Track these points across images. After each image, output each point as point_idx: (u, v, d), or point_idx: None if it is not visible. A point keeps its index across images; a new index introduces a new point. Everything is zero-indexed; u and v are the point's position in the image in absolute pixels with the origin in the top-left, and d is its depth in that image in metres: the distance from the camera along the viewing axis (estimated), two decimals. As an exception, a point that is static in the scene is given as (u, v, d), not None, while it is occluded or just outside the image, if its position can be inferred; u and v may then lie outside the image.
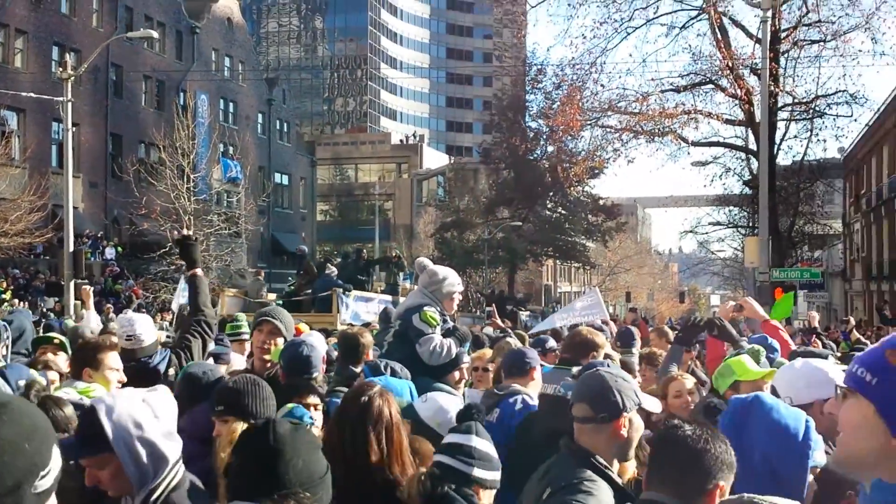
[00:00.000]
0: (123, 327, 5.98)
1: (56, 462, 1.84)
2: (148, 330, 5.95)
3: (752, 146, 34.54)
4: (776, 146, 33.91)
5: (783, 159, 37.15)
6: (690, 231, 49.52)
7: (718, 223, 48.00)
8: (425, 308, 5.77)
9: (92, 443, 2.58)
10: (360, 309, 14.09)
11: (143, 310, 26.03)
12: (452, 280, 6.06)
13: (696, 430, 2.85)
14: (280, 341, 5.10)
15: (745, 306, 7.54)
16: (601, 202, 54.90)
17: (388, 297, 17.00)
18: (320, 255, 66.72)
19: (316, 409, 4.22)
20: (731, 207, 46.66)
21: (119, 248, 36.23)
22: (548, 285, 71.18)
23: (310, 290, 15.49)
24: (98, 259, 34.27)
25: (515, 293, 50.91)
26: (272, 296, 17.74)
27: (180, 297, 14.40)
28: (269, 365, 5.07)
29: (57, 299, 26.12)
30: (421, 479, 2.95)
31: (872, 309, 40.42)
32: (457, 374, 5.73)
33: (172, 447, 2.66)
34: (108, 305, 24.86)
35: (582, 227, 54.96)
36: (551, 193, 53.85)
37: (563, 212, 55.29)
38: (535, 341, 8.80)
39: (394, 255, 21.01)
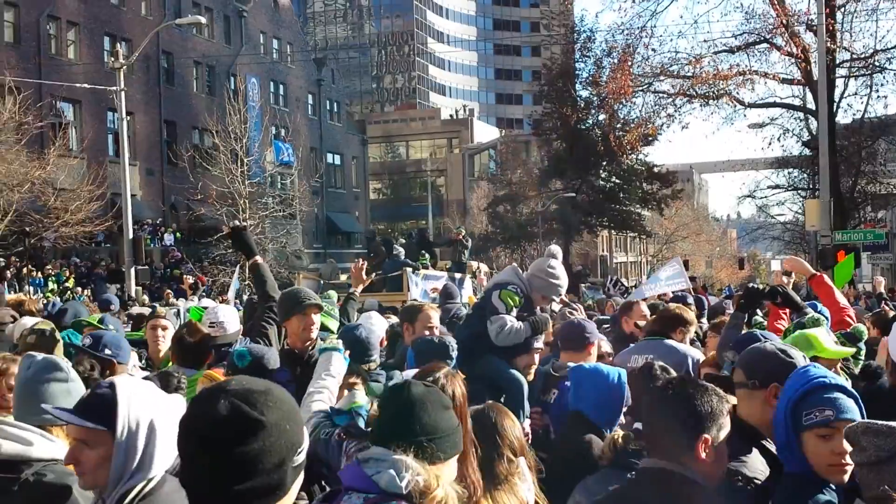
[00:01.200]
0: (208, 315, 6.26)
1: (307, 439, 2.12)
2: (231, 319, 6.24)
3: (811, 105, 33.73)
4: (835, 104, 33.05)
5: (843, 118, 36.22)
6: (749, 195, 48.59)
7: (777, 186, 47.00)
8: (508, 287, 5.59)
9: (96, 412, 2.55)
10: (429, 286, 14.33)
11: (205, 295, 26.46)
12: (558, 286, 5.77)
13: (675, 387, 2.97)
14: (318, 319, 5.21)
15: (790, 266, 7.34)
16: (656, 170, 54.02)
17: (457, 275, 17.32)
18: (378, 234, 67.11)
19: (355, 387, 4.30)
20: (791, 169, 45.65)
21: (178, 234, 36.77)
22: (603, 256, 70.61)
23: (380, 271, 15.67)
24: (158, 245, 34.80)
25: (572, 265, 50.57)
26: (344, 277, 18.08)
27: (234, 287, 14.94)
28: (309, 346, 5.05)
29: (119, 286, 26.60)
30: (615, 440, 3.51)
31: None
32: (526, 359, 5.58)
33: (165, 460, 2.64)
34: (168, 291, 25.26)
35: (637, 196, 54.17)
36: (604, 163, 53.15)
37: (617, 181, 54.54)
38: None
39: (460, 234, 21.58)
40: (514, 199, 55.72)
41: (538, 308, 5.77)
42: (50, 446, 3.09)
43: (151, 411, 2.60)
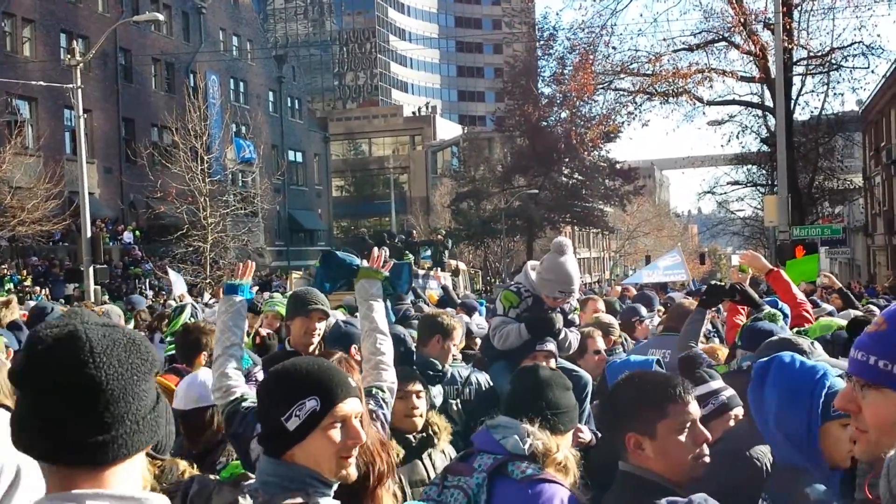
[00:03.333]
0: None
1: None
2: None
3: (769, 103, 34.11)
4: (793, 102, 33.47)
5: (800, 115, 36.70)
6: (709, 191, 49.14)
7: (737, 182, 47.58)
8: (510, 287, 5.52)
9: None
10: (433, 285, 14.73)
11: (163, 292, 26.22)
12: (563, 282, 5.27)
13: (617, 384, 2.91)
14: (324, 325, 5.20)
15: (746, 261, 7.37)
16: (618, 166, 54.42)
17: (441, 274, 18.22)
18: (337, 230, 66.78)
19: (419, 397, 4.29)
20: (750, 166, 46.21)
21: (136, 233, 36.35)
22: (566, 251, 70.99)
23: None
24: (116, 244, 34.38)
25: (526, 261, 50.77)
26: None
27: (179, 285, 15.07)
28: (311, 351, 5.01)
29: (77, 285, 26.23)
30: None
31: (895, 264, 40.07)
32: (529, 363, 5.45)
33: None
34: (125, 286, 24.98)
35: (599, 192, 54.54)
36: (567, 159, 53.46)
37: (579, 177, 54.87)
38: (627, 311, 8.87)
39: (441, 235, 22.32)
40: (477, 196, 55.81)
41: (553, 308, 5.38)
42: None
43: None
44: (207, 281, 28.00)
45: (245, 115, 46.39)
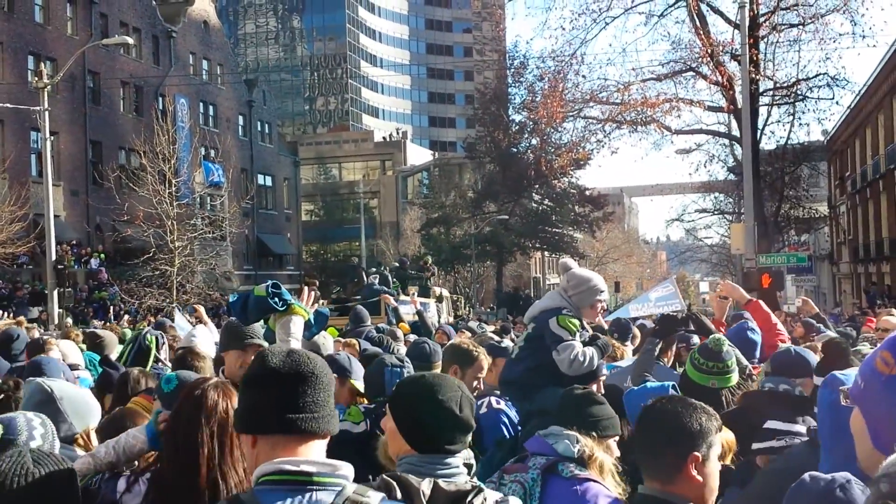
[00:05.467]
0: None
1: None
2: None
3: (736, 132, 34.51)
4: (759, 131, 33.88)
5: (767, 144, 37.19)
6: (677, 219, 49.65)
7: (705, 210, 48.14)
8: (563, 312, 5.33)
9: None
10: (403, 310, 15.01)
11: (127, 315, 25.91)
12: (595, 285, 5.52)
13: (664, 405, 3.03)
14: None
15: (725, 291, 7.44)
16: (587, 193, 54.81)
17: (425, 300, 18.44)
18: (307, 254, 66.44)
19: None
20: (717, 194, 46.75)
21: (102, 256, 35.93)
22: (536, 278, 71.10)
23: (358, 297, 16.96)
24: (81, 268, 33.94)
25: (504, 287, 50.83)
26: (324, 301, 19.00)
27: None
28: None
29: (41, 308, 25.84)
30: None
31: (860, 291, 40.51)
32: (594, 387, 5.30)
33: None
34: (90, 309, 24.65)
35: (569, 219, 54.82)
36: (537, 186, 53.77)
37: (549, 204, 55.15)
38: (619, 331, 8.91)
39: (428, 263, 24.45)
40: (447, 222, 55.88)
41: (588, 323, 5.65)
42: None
43: None
44: (174, 305, 27.71)
45: (214, 139, 46.10)
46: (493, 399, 5.08)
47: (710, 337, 5.48)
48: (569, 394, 3.93)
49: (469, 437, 2.87)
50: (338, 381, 4.98)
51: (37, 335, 9.23)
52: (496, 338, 9.10)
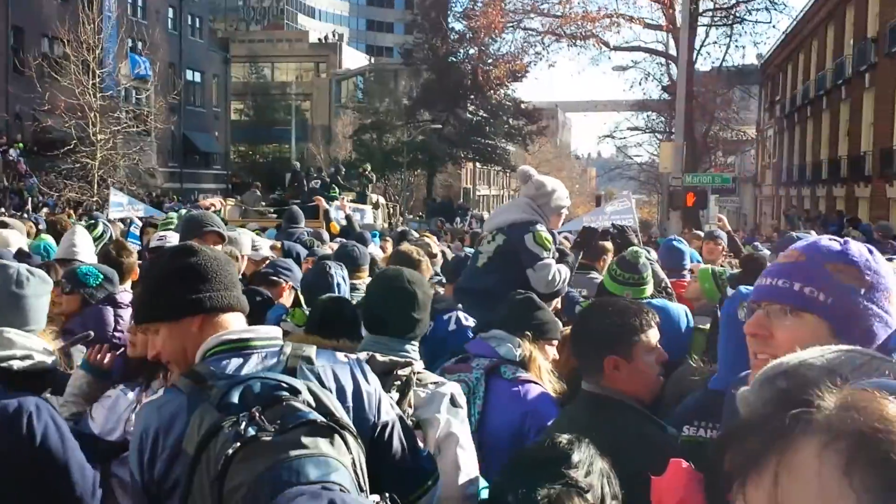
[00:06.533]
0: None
1: None
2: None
3: (673, 52, 34.60)
4: (696, 52, 34.02)
5: (702, 65, 37.51)
6: (609, 136, 49.93)
7: (637, 128, 48.48)
8: (538, 228, 5.33)
9: None
10: (339, 216, 15.25)
11: (45, 207, 25.22)
12: (561, 193, 5.59)
13: (585, 311, 3.27)
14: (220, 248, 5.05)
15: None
16: (522, 106, 54.53)
17: (361, 206, 19.31)
18: (235, 155, 65.28)
19: None
20: (650, 112, 47.04)
21: (21, 146, 34.73)
22: (467, 188, 71.13)
23: (298, 200, 17.14)
24: (1, 158, 32.80)
25: (434, 197, 50.77)
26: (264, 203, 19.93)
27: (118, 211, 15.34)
28: None
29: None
30: None
31: (780, 214, 41.56)
32: (557, 302, 5.46)
33: None
34: (7, 200, 23.91)
35: (503, 131, 54.58)
36: (472, 97, 53.32)
37: (484, 115, 54.75)
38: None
39: (366, 170, 24.96)
40: (380, 128, 55.25)
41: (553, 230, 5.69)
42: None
43: None
44: (95, 199, 27.03)
45: (143, 31, 44.35)
46: (461, 315, 5.03)
47: (629, 248, 5.54)
48: (512, 298, 3.97)
49: (422, 330, 3.15)
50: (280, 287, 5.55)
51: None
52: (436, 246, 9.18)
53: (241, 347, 2.33)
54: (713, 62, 38.60)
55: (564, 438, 2.19)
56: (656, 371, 2.97)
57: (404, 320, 3.07)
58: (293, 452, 1.91)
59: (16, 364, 3.11)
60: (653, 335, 2.97)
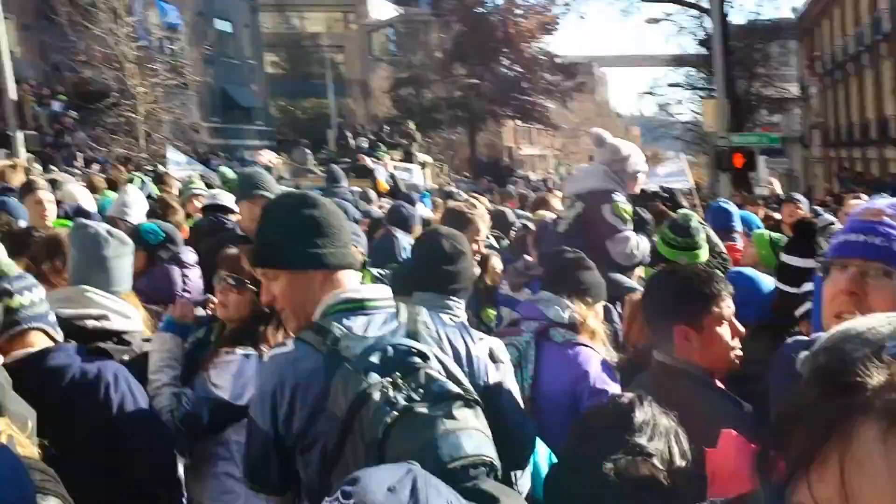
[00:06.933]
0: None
1: None
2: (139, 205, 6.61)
3: (705, 3, 33.82)
4: (728, 4, 33.20)
5: (736, 18, 36.68)
6: (649, 92, 49.14)
7: (677, 84, 47.62)
8: (616, 198, 5.28)
9: None
10: (384, 175, 15.63)
11: (95, 162, 25.19)
12: (637, 157, 5.56)
13: (653, 279, 3.31)
14: None
15: None
16: (557, 60, 53.89)
17: (409, 166, 19.17)
18: (276, 110, 65.02)
19: None
20: (688, 68, 46.15)
21: (64, 98, 34.66)
22: (510, 147, 70.55)
23: (347, 159, 17.66)
24: (44, 110, 32.70)
25: (479, 156, 50.64)
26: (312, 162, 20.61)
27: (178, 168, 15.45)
28: None
29: (7, 151, 24.85)
30: None
31: (832, 176, 40.84)
32: (636, 273, 5.43)
33: None
34: (58, 155, 23.87)
35: (540, 87, 53.95)
36: (506, 50, 52.73)
37: (519, 70, 54.15)
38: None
39: (406, 127, 25.57)
40: (417, 83, 54.82)
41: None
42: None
43: None
44: (143, 155, 26.92)
45: (166, -23, 43.92)
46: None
47: (679, 211, 5.52)
48: (559, 258, 3.95)
49: (463, 284, 3.15)
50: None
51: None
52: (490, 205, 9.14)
53: (360, 307, 2.42)
54: (747, 15, 37.76)
55: (625, 398, 2.15)
56: (731, 344, 2.84)
57: (442, 276, 3.07)
58: (450, 426, 2.07)
59: (90, 323, 3.18)
60: (726, 307, 2.83)
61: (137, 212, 6.51)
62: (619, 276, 5.09)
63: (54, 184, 8.68)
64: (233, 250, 3.66)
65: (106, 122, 29.10)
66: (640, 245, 5.24)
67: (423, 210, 9.77)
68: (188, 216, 7.53)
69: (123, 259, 3.47)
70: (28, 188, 6.86)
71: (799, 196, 8.78)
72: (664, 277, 3.13)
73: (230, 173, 12.12)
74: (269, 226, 2.56)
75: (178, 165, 15.83)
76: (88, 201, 7.93)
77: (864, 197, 10.20)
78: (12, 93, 22.18)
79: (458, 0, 52.66)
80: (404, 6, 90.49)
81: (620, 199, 5.30)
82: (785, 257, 3.94)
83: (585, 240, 5.08)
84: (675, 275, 3.07)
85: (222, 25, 56.28)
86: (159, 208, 6.37)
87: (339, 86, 64.23)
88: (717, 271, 3.51)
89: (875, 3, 35.32)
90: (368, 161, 15.33)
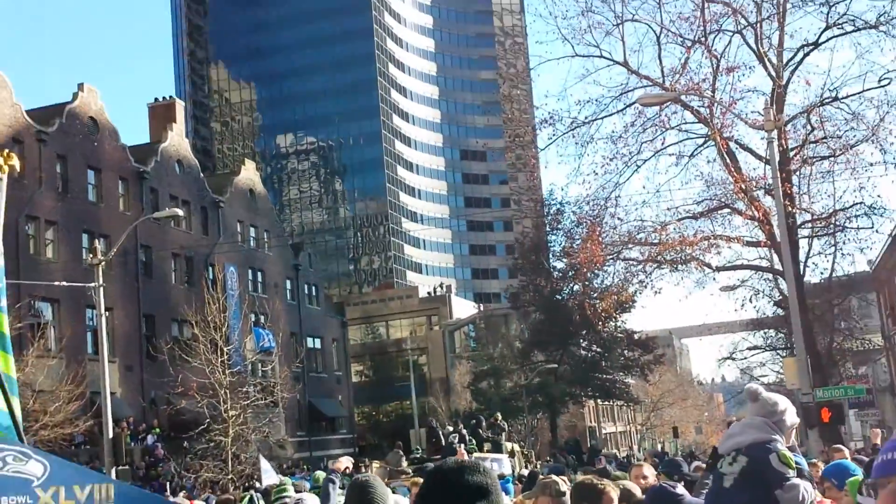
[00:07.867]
0: None
1: None
2: None
3: (778, 266, 34.32)
4: (802, 265, 33.67)
5: (811, 276, 36.79)
6: (728, 358, 48.74)
7: (756, 347, 47.28)
8: (780, 448, 5.40)
9: None
10: None
11: (183, 490, 25.79)
12: (792, 410, 5.70)
13: None
14: None
15: None
16: (636, 336, 54.34)
17: (499, 456, 19.75)
18: (359, 416, 65.94)
19: None
20: (766, 330, 46.03)
21: (157, 431, 36.00)
22: (592, 427, 69.71)
23: (438, 456, 18.13)
24: (138, 444, 33.99)
25: (559, 439, 49.93)
26: (405, 464, 20.73)
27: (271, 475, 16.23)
28: None
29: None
30: None
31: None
32: None
33: None
34: (148, 487, 24.61)
35: (619, 364, 54.17)
36: (584, 332, 53.49)
37: (598, 350, 54.67)
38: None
39: (498, 419, 26.36)
40: (496, 374, 55.48)
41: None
42: None
43: None
44: (230, 477, 27.39)
45: (263, 304, 46.90)
46: None
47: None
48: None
49: None
50: None
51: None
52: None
53: None
54: (822, 273, 37.87)
55: None
56: None
57: None
58: None
59: None
60: None
61: None
62: None
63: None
64: None
65: (196, 448, 29.82)
66: (808, 491, 5.31)
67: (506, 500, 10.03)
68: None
69: None
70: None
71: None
72: None
73: (321, 476, 12.63)
74: None
75: (269, 473, 16.53)
76: None
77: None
78: (110, 433, 23.33)
79: (535, 291, 54.20)
80: (484, 303, 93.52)
81: (783, 448, 5.39)
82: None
83: (754, 492, 5.32)
84: None
85: (313, 343, 58.62)
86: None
87: (421, 386, 65.46)
88: None
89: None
90: (467, 458, 15.53)
